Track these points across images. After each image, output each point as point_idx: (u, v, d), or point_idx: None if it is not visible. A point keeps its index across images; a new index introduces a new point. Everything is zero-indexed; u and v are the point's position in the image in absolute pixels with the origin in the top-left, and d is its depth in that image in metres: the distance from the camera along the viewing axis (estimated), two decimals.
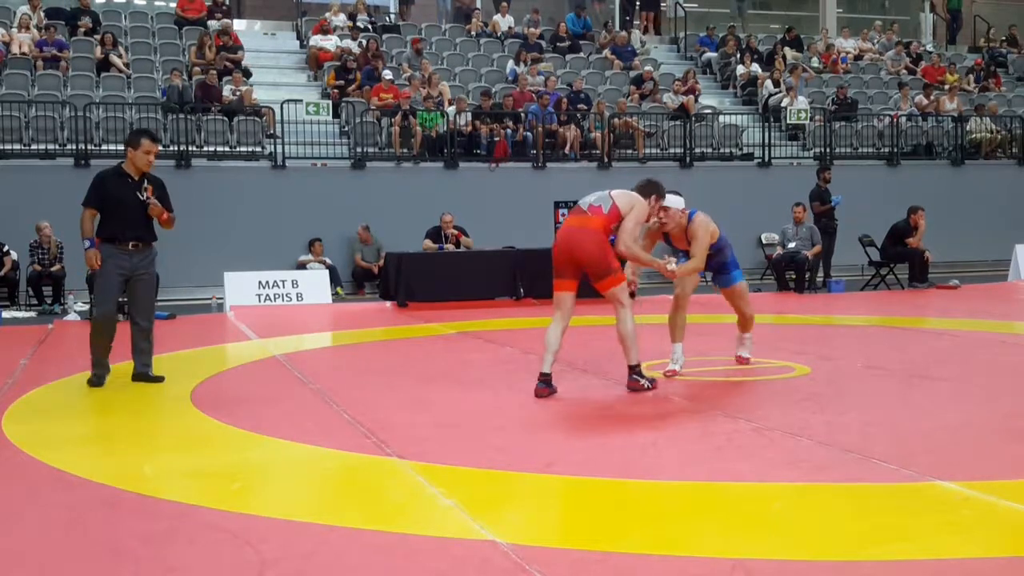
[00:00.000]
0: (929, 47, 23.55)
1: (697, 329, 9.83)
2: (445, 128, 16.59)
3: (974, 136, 19.38)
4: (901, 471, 4.60)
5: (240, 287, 13.46)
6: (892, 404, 6.38)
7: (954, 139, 19.22)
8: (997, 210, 18.41)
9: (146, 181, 7.22)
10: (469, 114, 17.00)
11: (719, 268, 7.54)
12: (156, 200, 7.19)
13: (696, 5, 24.10)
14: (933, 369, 7.65)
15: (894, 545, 3.68)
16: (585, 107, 17.88)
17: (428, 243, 14.44)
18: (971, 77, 21.89)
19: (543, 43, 20.09)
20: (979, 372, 7.55)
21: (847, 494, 4.34)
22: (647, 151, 17.63)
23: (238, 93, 16.39)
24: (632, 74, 19.48)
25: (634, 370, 6.72)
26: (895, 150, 18.84)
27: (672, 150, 17.85)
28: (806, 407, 6.26)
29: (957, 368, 7.72)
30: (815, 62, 21.60)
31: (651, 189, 6.86)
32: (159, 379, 7.36)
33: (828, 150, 18.27)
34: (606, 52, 20.37)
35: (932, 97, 19.94)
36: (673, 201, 7.04)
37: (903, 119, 19.14)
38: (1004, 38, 23.97)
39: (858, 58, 22.31)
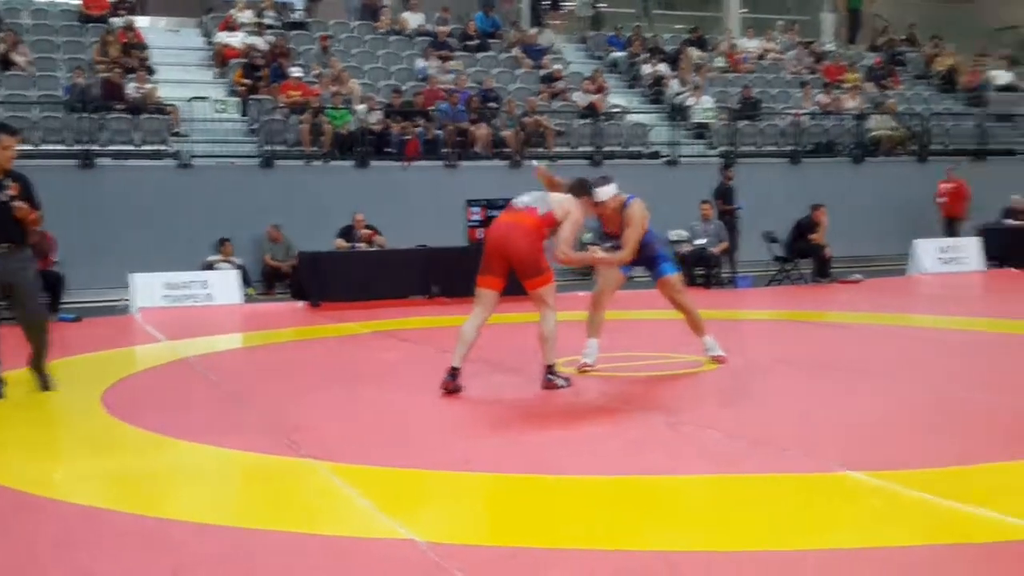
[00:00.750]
0: (830, 46, 24.18)
1: (610, 326, 9.94)
2: (356, 126, 16.46)
3: (874, 134, 19.97)
4: (809, 461, 4.73)
5: (147, 288, 13.14)
6: (800, 396, 6.55)
7: (855, 137, 19.78)
8: (897, 206, 18.99)
9: (10, 180, 6.72)
10: (380, 112, 16.90)
11: (649, 262, 7.49)
12: (22, 200, 6.67)
13: (604, 5, 24.34)
14: (838, 362, 7.86)
15: (808, 535, 3.79)
16: (496, 105, 17.93)
17: (340, 242, 14.31)
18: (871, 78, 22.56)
19: (452, 41, 20.08)
20: (882, 364, 7.79)
21: (760, 486, 4.45)
22: (557, 149, 17.76)
23: (142, 91, 16.02)
24: (542, 73, 19.59)
25: (550, 370, 6.75)
26: (798, 148, 19.31)
27: (582, 148, 18.00)
28: (717, 401, 6.39)
29: (861, 360, 7.95)
30: (720, 62, 22.01)
31: (582, 189, 6.94)
32: (53, 386, 7.08)
33: (733, 148, 18.64)
34: (515, 51, 20.45)
35: (833, 96, 20.49)
36: (604, 192, 7.06)
37: (805, 117, 19.63)
38: (903, 37, 24.74)
39: (761, 58, 22.80)
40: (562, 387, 6.69)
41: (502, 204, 13.78)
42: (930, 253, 16.36)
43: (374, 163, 16.43)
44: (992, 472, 4.55)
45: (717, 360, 7.56)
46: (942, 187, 18.10)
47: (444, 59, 18.87)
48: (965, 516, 3.92)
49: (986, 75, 23.18)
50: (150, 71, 16.91)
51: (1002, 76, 23.31)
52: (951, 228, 17.94)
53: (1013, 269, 16.39)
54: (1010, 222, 17.35)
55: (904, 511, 4.05)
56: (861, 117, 19.87)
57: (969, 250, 16.64)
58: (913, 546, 3.65)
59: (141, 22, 19.28)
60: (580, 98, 18.70)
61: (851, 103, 20.30)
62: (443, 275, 13.50)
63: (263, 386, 7.37)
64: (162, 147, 15.72)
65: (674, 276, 7.61)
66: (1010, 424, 5.56)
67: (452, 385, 6.63)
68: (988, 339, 9.13)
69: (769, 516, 4.03)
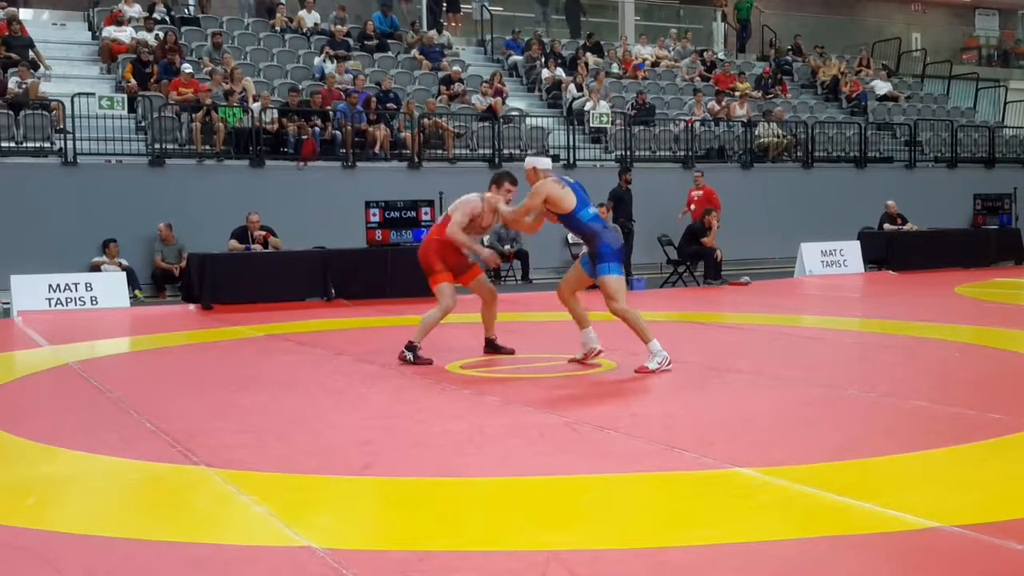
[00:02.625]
0: (721, 55, 24.76)
1: (511, 327, 9.99)
2: (249, 124, 16.15)
3: (762, 140, 20.53)
4: (702, 459, 4.84)
5: (29, 291, 12.66)
6: (692, 396, 6.69)
7: (744, 143, 20.29)
8: (783, 210, 19.58)
9: None
10: (275, 111, 16.63)
11: (592, 257, 7.49)
12: None
13: (501, 9, 24.44)
14: (729, 361, 8.05)
15: (698, 530, 3.87)
16: (395, 107, 17.83)
17: (234, 243, 14.02)
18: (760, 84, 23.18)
19: (350, 41, 19.89)
20: (771, 363, 8.01)
21: (653, 483, 4.52)
22: (457, 151, 17.76)
23: (24, 86, 15.43)
24: (440, 75, 19.57)
25: (410, 345, 7.87)
26: (690, 153, 19.72)
27: (481, 151, 18.04)
28: (613, 401, 6.47)
29: (750, 360, 8.16)
30: (615, 68, 22.32)
31: (495, 179, 7.96)
32: None
33: (628, 152, 18.92)
34: (414, 52, 20.38)
35: (724, 103, 20.99)
36: (532, 160, 7.66)
37: (697, 124, 20.06)
38: (789, 47, 25.49)
39: (655, 65, 23.21)
40: (407, 360, 7.80)
41: (401, 206, 13.92)
42: (814, 256, 16.89)
43: (269, 163, 16.15)
44: (873, 466, 4.73)
45: (648, 371, 7.29)
46: (692, 194, 16.91)
47: (342, 59, 18.68)
48: (848, 509, 4.05)
49: (867, 85, 24.09)
50: (34, 65, 16.31)
51: (881, 86, 24.25)
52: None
53: (890, 272, 17.05)
54: (888, 227, 18.03)
55: (791, 506, 4.17)
56: (750, 124, 20.40)
57: (849, 253, 17.24)
58: (798, 539, 3.76)
59: (24, 14, 18.59)
60: (479, 100, 18.73)
61: (740, 111, 20.83)
62: (342, 277, 13.38)
63: (152, 392, 7.16)
64: (46, 144, 15.17)
65: (609, 278, 7.32)
66: (889, 420, 5.79)
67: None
68: (870, 339, 9.46)
69: (661, 514, 4.11)
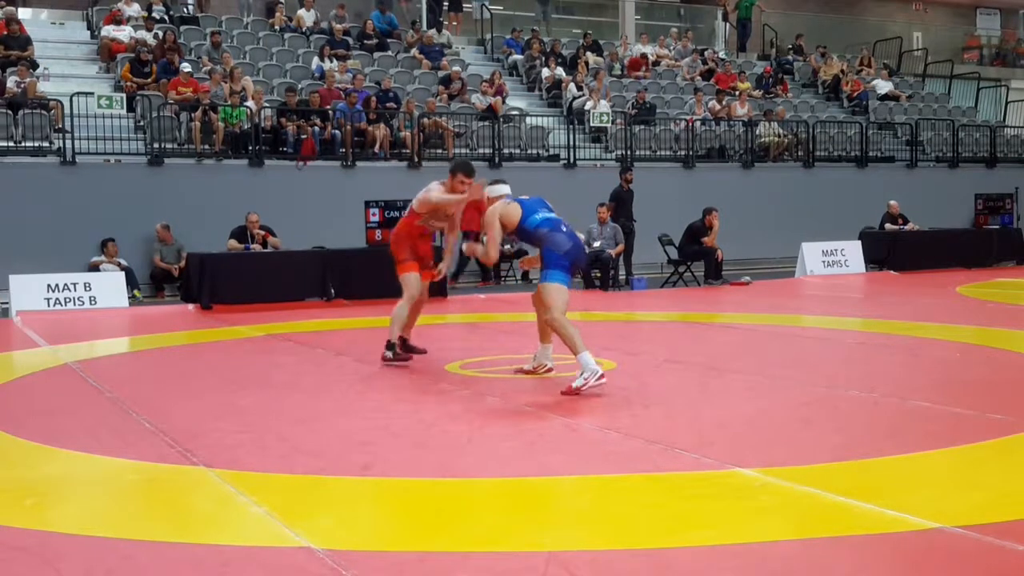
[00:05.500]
0: (722, 54, 24.73)
1: (508, 328, 10.00)
2: (249, 124, 16.13)
3: (763, 140, 20.51)
4: (703, 460, 4.82)
5: (27, 291, 12.63)
6: (693, 396, 6.67)
7: (745, 143, 20.27)
8: (784, 210, 19.55)
9: None
10: (274, 110, 16.59)
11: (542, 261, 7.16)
12: None
13: (501, 8, 24.42)
14: (729, 361, 8.04)
15: (699, 531, 3.85)
16: (394, 106, 17.81)
17: (233, 243, 14.00)
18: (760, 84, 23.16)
19: (350, 40, 19.87)
20: (771, 363, 8.00)
21: (653, 484, 4.51)
22: (456, 151, 17.73)
23: (23, 85, 15.41)
24: (440, 74, 19.55)
25: (388, 345, 7.90)
26: (690, 153, 19.70)
27: (481, 150, 18.02)
28: (613, 401, 6.45)
29: (751, 360, 8.15)
30: (618, 67, 22.29)
31: (451, 168, 7.82)
32: None
33: (629, 152, 18.90)
34: (414, 51, 20.35)
35: (724, 102, 20.96)
36: (487, 191, 7.24)
37: (698, 123, 20.04)
38: (790, 46, 25.48)
39: (655, 64, 23.18)
40: (389, 360, 7.82)
41: (401, 205, 13.89)
42: (815, 256, 16.87)
43: (269, 162, 16.13)
44: (874, 466, 4.72)
45: (574, 391, 6.52)
46: None
47: (341, 58, 18.66)
48: (849, 509, 4.04)
49: (868, 84, 24.06)
50: (32, 65, 16.29)
51: (883, 86, 24.23)
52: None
53: (891, 272, 17.03)
54: (889, 226, 18.01)
55: (792, 506, 4.16)
56: (751, 124, 20.38)
57: (850, 253, 17.21)
58: (799, 539, 3.75)
59: (22, 13, 18.56)
60: (479, 100, 18.71)
61: (741, 110, 20.81)
62: (342, 277, 13.36)
63: (151, 392, 7.15)
64: (44, 144, 15.15)
65: (546, 286, 6.81)
66: (890, 420, 5.77)
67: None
68: (871, 339, 9.45)
69: (662, 514, 4.09)
